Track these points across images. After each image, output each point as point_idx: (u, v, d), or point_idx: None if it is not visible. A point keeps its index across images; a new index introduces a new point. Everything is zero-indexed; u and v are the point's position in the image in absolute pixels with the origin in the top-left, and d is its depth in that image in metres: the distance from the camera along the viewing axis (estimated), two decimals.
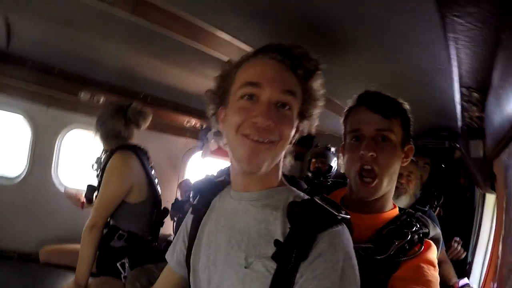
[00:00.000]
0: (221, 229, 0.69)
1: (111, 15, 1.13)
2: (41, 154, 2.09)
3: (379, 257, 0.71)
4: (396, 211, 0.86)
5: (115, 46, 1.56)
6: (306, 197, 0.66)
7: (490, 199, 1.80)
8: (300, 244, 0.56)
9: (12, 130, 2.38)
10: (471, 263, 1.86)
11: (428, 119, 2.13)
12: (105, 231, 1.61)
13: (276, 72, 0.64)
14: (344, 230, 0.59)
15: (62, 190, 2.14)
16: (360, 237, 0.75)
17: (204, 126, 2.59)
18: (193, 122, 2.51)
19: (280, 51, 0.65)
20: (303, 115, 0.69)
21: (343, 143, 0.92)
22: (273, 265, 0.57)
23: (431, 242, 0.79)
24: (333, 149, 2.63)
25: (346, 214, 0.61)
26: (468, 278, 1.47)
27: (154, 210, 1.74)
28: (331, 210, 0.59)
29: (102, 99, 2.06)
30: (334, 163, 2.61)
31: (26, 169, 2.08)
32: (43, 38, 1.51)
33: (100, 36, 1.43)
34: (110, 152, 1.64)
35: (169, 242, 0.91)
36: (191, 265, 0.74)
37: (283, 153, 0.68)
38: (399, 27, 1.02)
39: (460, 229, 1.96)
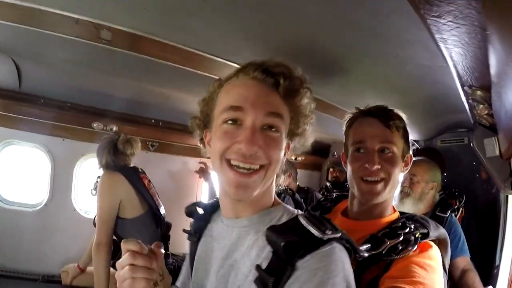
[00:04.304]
0: (218, 256, 0.66)
1: (112, 51, 1.20)
2: (60, 182, 2.20)
3: (370, 253, 0.69)
4: (395, 216, 0.85)
5: (120, 78, 1.64)
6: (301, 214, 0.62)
7: None
8: (276, 274, 0.51)
9: (33, 161, 2.51)
10: (498, 267, 1.73)
11: (442, 115, 2.04)
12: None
13: (259, 93, 0.59)
14: (333, 250, 0.52)
15: (82, 214, 2.25)
16: (360, 243, 0.73)
17: None
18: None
19: (262, 70, 0.60)
20: (294, 133, 0.65)
21: (343, 151, 0.93)
22: None
23: (430, 243, 0.76)
24: None
25: (335, 231, 0.54)
26: (496, 282, 1.35)
27: (158, 225, 1.80)
28: (313, 231, 0.52)
29: (115, 128, 2.16)
30: None
31: (47, 196, 2.19)
32: (52, 77, 1.63)
33: (105, 71, 1.52)
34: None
35: None
36: None
37: (275, 175, 0.64)
38: (390, 30, 0.99)
39: (486, 228, 1.83)
